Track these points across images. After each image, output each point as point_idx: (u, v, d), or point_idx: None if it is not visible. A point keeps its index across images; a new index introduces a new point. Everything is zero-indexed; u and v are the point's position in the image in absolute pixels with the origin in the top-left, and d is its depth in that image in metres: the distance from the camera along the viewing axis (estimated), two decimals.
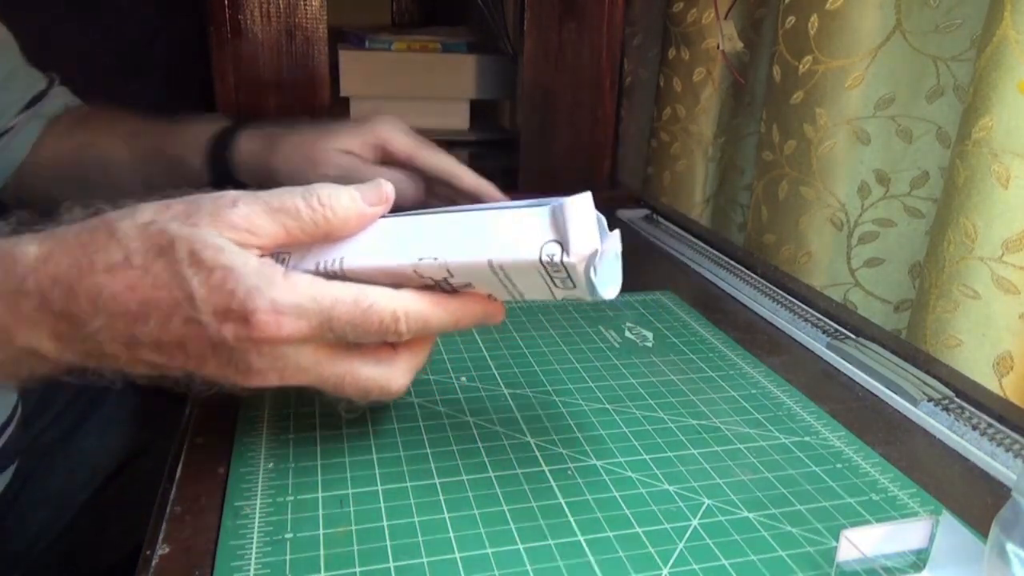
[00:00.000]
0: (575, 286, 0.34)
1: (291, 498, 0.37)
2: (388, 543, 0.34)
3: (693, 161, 0.92)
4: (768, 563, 0.34)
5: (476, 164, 1.13)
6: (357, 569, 0.33)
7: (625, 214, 0.87)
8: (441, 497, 0.38)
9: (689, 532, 0.36)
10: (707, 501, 0.38)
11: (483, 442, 0.42)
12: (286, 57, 0.86)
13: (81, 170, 0.66)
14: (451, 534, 0.35)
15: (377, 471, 0.39)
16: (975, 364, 0.54)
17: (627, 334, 0.56)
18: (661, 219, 0.85)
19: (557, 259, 0.32)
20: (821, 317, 0.59)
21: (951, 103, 0.63)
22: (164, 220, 0.32)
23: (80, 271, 0.32)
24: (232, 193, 0.33)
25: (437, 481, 0.39)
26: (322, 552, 0.34)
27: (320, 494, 0.37)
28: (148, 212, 0.33)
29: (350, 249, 0.35)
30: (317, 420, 0.44)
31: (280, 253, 0.35)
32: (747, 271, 0.68)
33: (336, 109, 0.99)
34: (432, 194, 0.64)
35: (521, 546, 0.34)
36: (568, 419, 0.45)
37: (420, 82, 1.09)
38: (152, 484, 0.39)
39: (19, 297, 0.32)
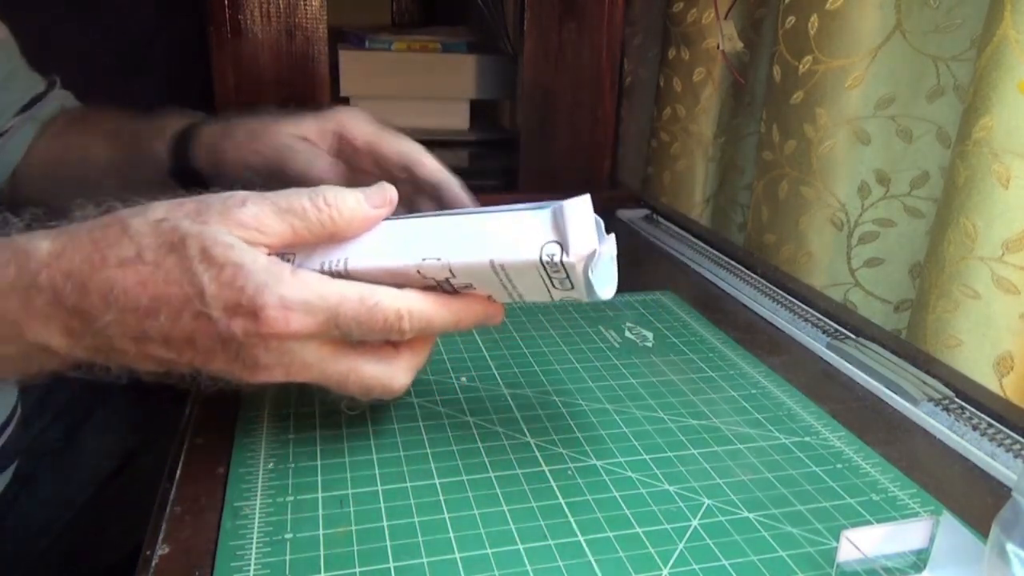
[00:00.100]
0: (573, 287, 0.34)
1: (291, 498, 0.37)
2: (388, 543, 0.34)
3: (693, 161, 0.92)
4: (768, 563, 0.34)
5: (476, 164, 1.13)
6: (357, 569, 0.33)
7: (625, 214, 0.87)
8: (441, 497, 0.38)
9: (689, 532, 0.36)
10: (707, 501, 0.38)
11: (483, 442, 0.42)
12: (286, 57, 0.86)
13: (66, 171, 0.65)
14: (451, 534, 0.35)
15: (377, 471, 0.39)
16: (975, 364, 0.54)
17: (627, 334, 0.56)
18: (661, 219, 0.85)
19: (557, 259, 0.33)
20: (821, 317, 0.59)
21: (951, 103, 0.63)
22: (176, 217, 0.33)
23: (92, 266, 0.32)
24: (241, 193, 0.34)
25: (437, 481, 0.39)
26: (322, 552, 0.34)
27: (320, 494, 0.37)
28: (160, 210, 0.33)
29: (354, 250, 0.35)
30: (317, 420, 0.44)
31: (286, 254, 0.35)
32: (747, 271, 0.69)
33: None
34: (392, 181, 0.61)
35: (521, 546, 0.34)
36: (568, 419, 0.45)
37: (420, 82, 1.09)
38: (152, 484, 0.39)
39: (32, 292, 0.32)
